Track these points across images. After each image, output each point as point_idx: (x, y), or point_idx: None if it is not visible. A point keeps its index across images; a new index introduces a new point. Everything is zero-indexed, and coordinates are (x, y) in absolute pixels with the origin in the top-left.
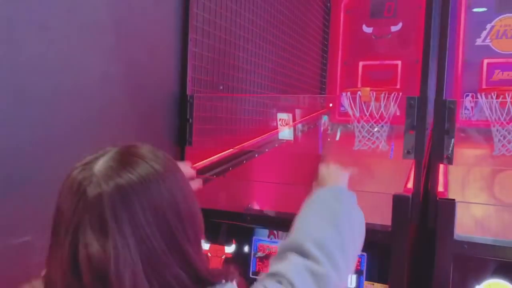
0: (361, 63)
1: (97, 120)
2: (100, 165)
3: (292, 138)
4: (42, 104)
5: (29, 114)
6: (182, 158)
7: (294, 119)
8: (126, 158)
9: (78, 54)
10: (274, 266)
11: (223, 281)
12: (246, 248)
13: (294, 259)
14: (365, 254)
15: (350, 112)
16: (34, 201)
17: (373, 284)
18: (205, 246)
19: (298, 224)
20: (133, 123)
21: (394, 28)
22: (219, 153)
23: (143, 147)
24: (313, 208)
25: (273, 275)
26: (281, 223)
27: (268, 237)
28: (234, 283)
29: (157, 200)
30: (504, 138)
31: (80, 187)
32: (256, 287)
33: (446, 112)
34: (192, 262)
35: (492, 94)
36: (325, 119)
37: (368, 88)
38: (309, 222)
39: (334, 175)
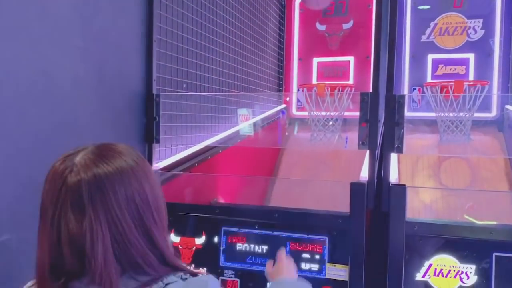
0: (315, 60)
1: (68, 120)
2: (80, 157)
3: (252, 133)
4: (16, 105)
5: (3, 115)
6: (149, 155)
7: (254, 115)
8: (105, 152)
9: (49, 57)
10: None
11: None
12: (215, 239)
13: None
14: (326, 238)
15: (307, 107)
16: (11, 200)
17: (335, 266)
18: (176, 239)
19: None
20: (103, 122)
21: (345, 26)
22: (185, 150)
23: (120, 145)
24: None
25: None
26: (247, 213)
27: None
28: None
29: (128, 188)
30: (448, 128)
31: (62, 176)
32: None
33: (396, 106)
34: (158, 243)
35: (436, 87)
36: (283, 114)
37: (323, 84)
38: None
39: (287, 269)
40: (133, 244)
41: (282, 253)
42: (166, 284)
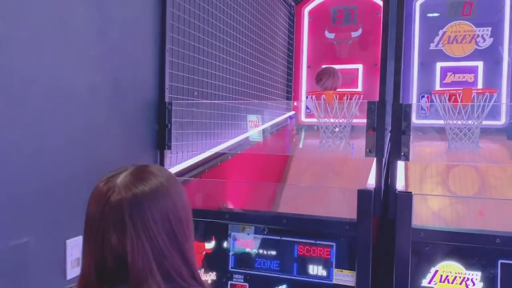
0: (324, 67)
1: (84, 127)
2: (121, 179)
3: (261, 140)
4: (35, 112)
5: (23, 121)
6: (161, 161)
7: (263, 121)
8: (141, 174)
9: (66, 67)
10: None
11: None
12: (225, 244)
13: None
14: (334, 244)
15: (315, 114)
16: (32, 203)
17: (342, 271)
18: None
19: None
20: (117, 129)
21: (354, 34)
22: (195, 156)
23: (154, 166)
24: None
25: None
26: (256, 219)
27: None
28: None
29: (162, 207)
30: (457, 135)
31: (106, 195)
32: None
33: (402, 114)
34: (189, 258)
35: (445, 95)
36: (291, 119)
37: (331, 91)
38: None
39: None
40: (168, 258)
41: None
42: None
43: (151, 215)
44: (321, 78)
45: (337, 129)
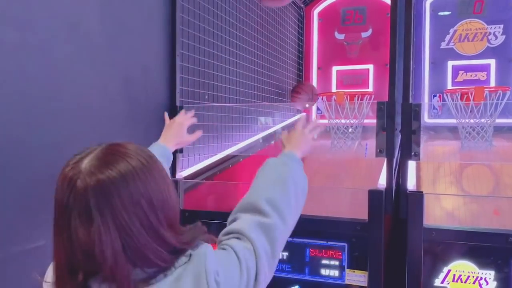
0: (334, 68)
1: (97, 132)
2: (85, 163)
3: (272, 142)
4: (49, 120)
5: (37, 128)
6: (173, 165)
7: (274, 123)
8: (108, 157)
9: (78, 73)
10: (232, 226)
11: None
12: None
13: (247, 218)
14: (346, 244)
15: (326, 115)
16: (48, 205)
17: (354, 271)
18: None
19: (252, 188)
20: (129, 133)
21: (364, 34)
22: (207, 159)
23: (126, 145)
24: (265, 175)
25: (232, 233)
26: None
27: None
28: (204, 243)
29: (133, 192)
30: (470, 134)
31: (71, 182)
32: (223, 248)
33: (412, 114)
34: (167, 239)
35: (457, 94)
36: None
37: (342, 92)
38: (261, 186)
39: (294, 141)
40: (144, 245)
41: (299, 121)
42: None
43: (120, 202)
44: (299, 92)
45: (350, 130)
